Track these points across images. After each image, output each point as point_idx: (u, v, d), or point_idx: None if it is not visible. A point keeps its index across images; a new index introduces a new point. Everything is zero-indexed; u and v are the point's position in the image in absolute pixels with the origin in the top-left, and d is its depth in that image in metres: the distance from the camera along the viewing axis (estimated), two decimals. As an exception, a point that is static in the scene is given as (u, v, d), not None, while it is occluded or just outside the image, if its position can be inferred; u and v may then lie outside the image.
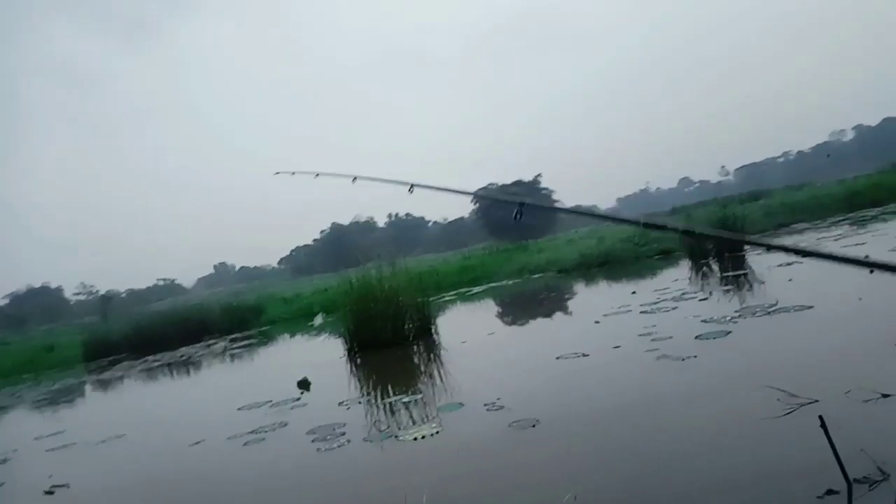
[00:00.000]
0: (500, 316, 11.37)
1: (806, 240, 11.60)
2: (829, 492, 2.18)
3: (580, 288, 12.44)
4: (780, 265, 8.48)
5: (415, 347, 7.89)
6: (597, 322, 6.85)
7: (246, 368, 10.23)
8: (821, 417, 2.32)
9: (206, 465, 4.38)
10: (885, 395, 2.92)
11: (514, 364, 5.91)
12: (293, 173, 4.16)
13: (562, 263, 16.00)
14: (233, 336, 15.61)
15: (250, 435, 4.69)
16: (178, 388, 9.61)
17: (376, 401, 5.45)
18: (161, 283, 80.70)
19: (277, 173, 4.28)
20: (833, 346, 4.18)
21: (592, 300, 10.55)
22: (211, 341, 15.18)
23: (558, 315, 9.32)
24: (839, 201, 17.61)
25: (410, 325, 8.26)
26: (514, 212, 2.48)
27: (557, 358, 5.33)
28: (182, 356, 13.13)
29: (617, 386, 4.27)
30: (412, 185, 2.81)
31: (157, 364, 12.59)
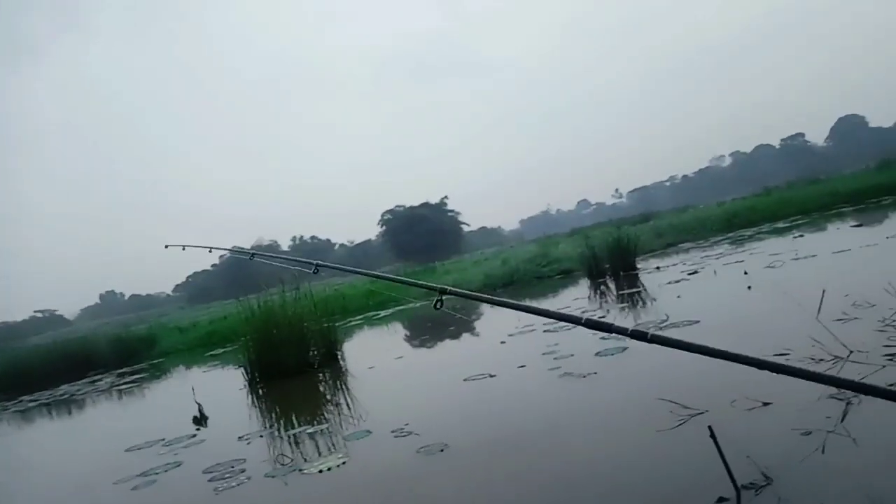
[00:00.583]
0: (408, 339, 11.31)
1: (692, 258, 12.42)
2: (720, 499, 2.29)
3: (486, 308, 12.63)
4: (670, 282, 9.01)
5: (321, 375, 7.67)
6: (502, 342, 6.96)
7: (135, 405, 9.53)
8: (710, 427, 2.46)
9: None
10: (765, 404, 3.13)
11: (422, 388, 5.87)
12: (184, 248, 3.81)
13: (468, 285, 16.20)
14: (121, 370, 14.54)
15: (139, 478, 4.34)
16: (57, 430, 8.78)
17: (279, 433, 5.22)
18: (39, 315, 74.12)
19: (168, 246, 3.90)
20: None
21: (498, 320, 10.73)
22: (96, 377, 14.05)
23: (465, 336, 9.39)
24: (720, 222, 19.07)
25: (316, 352, 8.04)
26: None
27: (465, 380, 5.34)
28: (63, 394, 12.04)
29: (523, 406, 4.33)
30: (316, 266, 2.70)
31: (33, 404, 11.48)
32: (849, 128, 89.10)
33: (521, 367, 5.43)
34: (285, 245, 79.55)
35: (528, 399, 4.48)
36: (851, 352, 3.58)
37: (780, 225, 16.43)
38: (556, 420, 3.80)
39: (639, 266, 12.24)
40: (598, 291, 10.53)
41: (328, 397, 6.62)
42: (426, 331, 11.45)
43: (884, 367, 3.26)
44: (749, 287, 7.07)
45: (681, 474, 2.66)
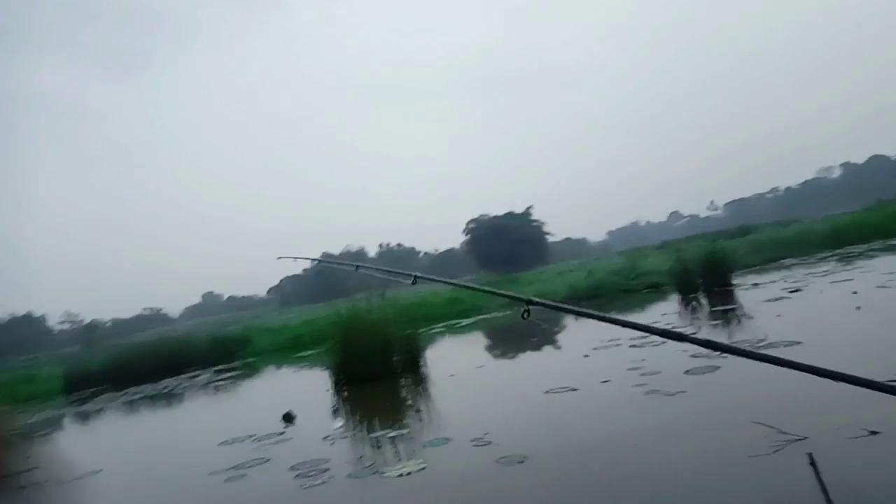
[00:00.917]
0: (489, 349, 11.29)
1: (794, 275, 11.67)
2: (819, 532, 2.13)
3: (570, 321, 12.41)
4: (769, 300, 8.50)
5: (402, 380, 7.78)
6: (586, 356, 6.81)
7: (229, 401, 10.05)
8: (810, 455, 2.29)
9: (185, 502, 4.25)
10: (873, 433, 2.89)
11: (502, 398, 5.83)
12: (295, 259, 4.10)
13: (551, 295, 15.98)
14: (217, 368, 15.38)
15: (231, 471, 4.57)
16: (158, 422, 9.40)
17: (362, 435, 5.34)
18: (147, 312, 79.86)
19: (280, 258, 4.12)
20: (822, 383, 4.15)
21: (582, 333, 10.51)
22: (195, 373, 14.94)
23: (547, 348, 9.26)
24: (826, 238, 17.80)
25: (398, 358, 8.17)
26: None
27: (546, 392, 5.27)
28: (165, 388, 12.89)
29: (606, 423, 4.22)
30: (415, 277, 2.73)
31: (138, 396, 12.35)
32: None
33: (605, 381, 5.29)
34: (372, 252, 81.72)
35: (611, 416, 4.35)
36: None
37: (894, 242, 15.14)
38: (640, 439, 3.66)
39: (734, 282, 11.63)
40: (689, 307, 10.10)
41: (409, 403, 6.71)
42: (508, 341, 11.39)
43: None
44: (858, 307, 6.56)
45: (773, 501, 2.50)
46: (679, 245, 19.86)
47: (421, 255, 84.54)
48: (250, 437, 5.70)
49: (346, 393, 7.58)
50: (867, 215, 20.89)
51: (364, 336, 7.97)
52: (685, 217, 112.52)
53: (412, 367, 8.19)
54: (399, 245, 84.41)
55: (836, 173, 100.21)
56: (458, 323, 15.69)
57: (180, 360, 16.50)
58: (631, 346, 6.84)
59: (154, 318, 77.80)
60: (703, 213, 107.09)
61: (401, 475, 3.73)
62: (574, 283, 16.35)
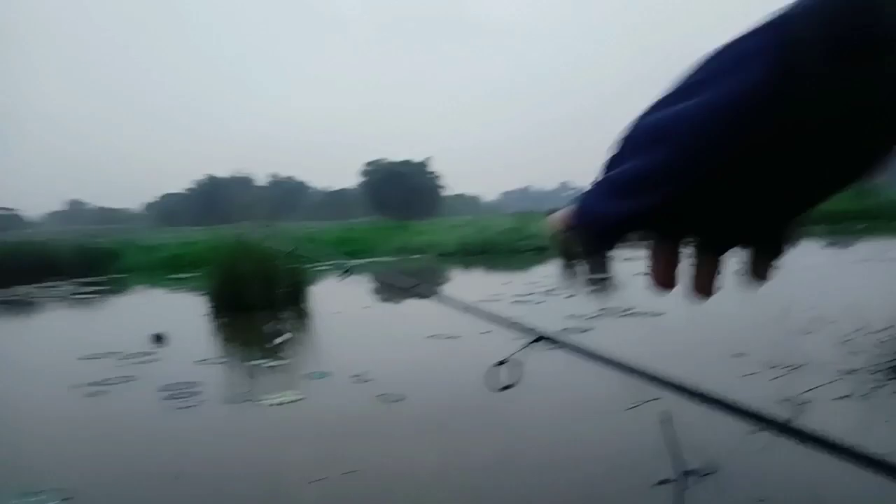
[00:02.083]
0: (377, 292, 11.34)
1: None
2: (663, 481, 2.38)
3: (458, 273, 12.70)
4: (641, 273, 9.15)
5: (285, 313, 7.65)
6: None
7: (93, 316, 9.42)
8: (663, 413, 2.53)
9: (43, 415, 3.97)
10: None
11: (386, 339, 5.91)
12: None
13: (443, 247, 16.24)
14: (81, 280, 14.32)
15: (93, 386, 4.32)
16: (9, 330, 8.65)
17: (238, 363, 5.23)
18: (-1, 212, 72.26)
19: None
20: (676, 350, 4.57)
21: (468, 286, 10.81)
22: (55, 283, 13.82)
23: (435, 297, 9.45)
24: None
25: (283, 290, 8.00)
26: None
27: (428, 337, 5.40)
28: (15, 295, 11.83)
29: (483, 368, 4.39)
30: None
31: (-15, 301, 11.26)
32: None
33: (485, 332, 5.50)
34: (262, 180, 78.46)
35: (488, 363, 4.54)
36: (806, 363, 3.70)
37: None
38: (514, 389, 3.86)
39: (614, 253, 12.36)
40: (570, 272, 10.65)
41: (290, 336, 6.62)
42: (394, 287, 11.48)
43: (834, 381, 3.38)
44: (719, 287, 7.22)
45: (631, 454, 2.74)
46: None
47: (313, 190, 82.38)
48: (114, 353, 5.40)
49: (224, 319, 7.35)
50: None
51: (248, 264, 7.71)
52: (573, 189, 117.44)
53: (296, 301, 8.06)
54: (290, 178, 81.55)
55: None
56: (347, 263, 15.57)
57: (38, 267, 15.16)
58: (513, 302, 7.13)
59: (6, 218, 70.55)
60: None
61: (277, 404, 3.71)
62: (465, 237, 16.67)
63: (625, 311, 6.09)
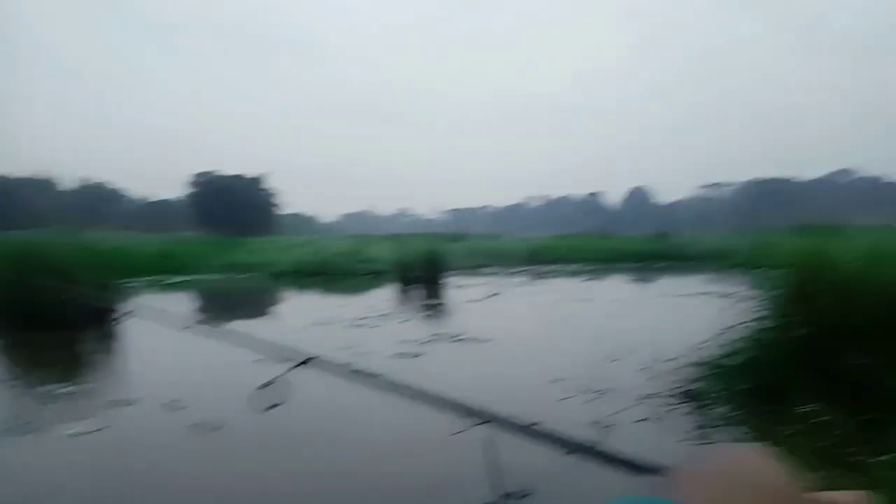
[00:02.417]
0: (201, 311, 10.54)
1: (496, 281, 13.25)
2: (486, 505, 2.43)
3: (292, 294, 12.26)
4: (472, 301, 9.51)
5: (90, 333, 6.82)
6: (301, 331, 6.79)
7: None
8: (484, 437, 2.60)
9: None
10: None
11: (205, 364, 5.48)
12: None
13: (276, 267, 15.62)
14: None
15: None
16: None
17: (27, 388, 4.53)
18: None
19: None
20: (500, 375, 4.79)
21: (302, 308, 10.47)
22: None
23: (264, 319, 9.02)
24: (523, 254, 20.64)
25: (88, 307, 7.13)
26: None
27: (254, 361, 5.10)
28: None
29: (308, 397, 4.24)
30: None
31: None
32: (637, 197, 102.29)
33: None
34: (70, 184, 69.94)
35: (314, 393, 4.39)
36: (612, 388, 4.04)
37: (572, 268, 18.23)
38: (338, 418, 3.77)
39: (447, 280, 12.76)
40: (406, 296, 10.77)
41: (94, 358, 5.90)
42: (222, 306, 10.80)
43: (636, 405, 3.73)
44: (539, 317, 7.72)
45: (451, 478, 2.77)
46: (405, 239, 21.09)
47: (130, 199, 75.18)
48: None
49: (12, 339, 6.36)
50: (557, 242, 24.78)
51: (45, 276, 6.77)
52: (411, 215, 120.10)
53: (103, 319, 7.22)
54: (101, 184, 73.52)
55: (535, 203, 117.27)
56: (168, 280, 14.37)
57: None
58: (347, 326, 7.02)
59: None
60: (429, 215, 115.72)
61: (73, 434, 3.25)
62: (301, 257, 16.20)
63: (455, 336, 6.26)
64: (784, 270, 3.85)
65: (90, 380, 4.76)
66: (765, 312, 3.86)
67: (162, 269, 16.07)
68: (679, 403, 3.70)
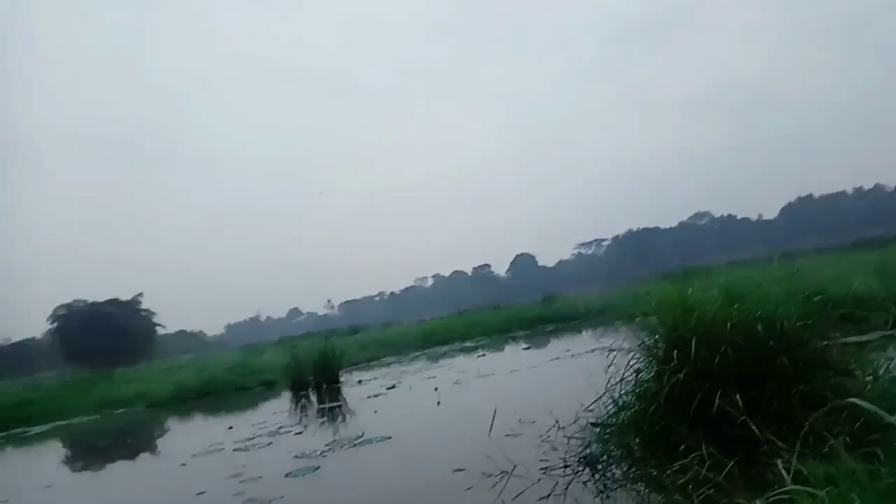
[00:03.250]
0: (66, 462, 9.35)
1: (392, 372, 12.95)
2: None
3: (173, 424, 11.25)
4: (370, 396, 9.19)
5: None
6: (183, 465, 6.17)
7: None
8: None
9: None
10: None
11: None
12: None
13: (154, 396, 14.35)
14: None
15: None
16: None
17: None
18: None
19: None
20: (404, 475, 4.56)
21: (183, 438, 9.59)
22: None
23: (141, 457, 8.15)
24: (419, 338, 20.50)
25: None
26: None
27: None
28: None
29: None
30: None
31: None
32: (523, 264, 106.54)
33: (201, 493, 4.83)
34: None
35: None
36: (515, 466, 3.96)
37: (469, 344, 18.31)
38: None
39: (342, 379, 12.30)
40: (300, 405, 10.21)
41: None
42: (92, 451, 9.67)
43: (539, 480, 3.66)
44: (438, 403, 7.55)
45: None
46: (295, 342, 20.35)
47: (-16, 344, 67.40)
48: None
49: None
50: (451, 321, 24.92)
51: None
52: (304, 314, 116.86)
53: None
54: (-48, 331, 65.76)
55: (429, 283, 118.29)
56: (26, 432, 12.77)
57: None
58: (235, 449, 6.49)
59: None
60: (321, 311, 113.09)
61: None
62: (182, 380, 15.03)
63: (354, 440, 5.96)
64: (654, 319, 4.04)
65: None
66: (644, 363, 3.99)
67: (21, 419, 14.27)
68: (579, 471, 3.66)
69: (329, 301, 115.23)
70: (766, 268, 4.42)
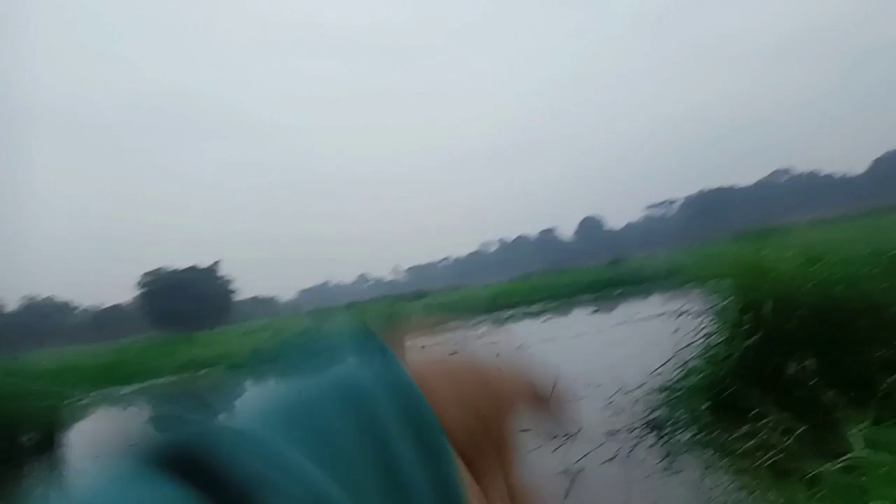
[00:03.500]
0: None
1: (456, 336, 13.11)
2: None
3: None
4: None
5: (34, 465, 6.38)
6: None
7: None
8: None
9: None
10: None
11: None
12: None
13: (233, 358, 15.14)
14: None
15: None
16: None
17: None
18: None
19: None
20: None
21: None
22: None
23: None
24: (485, 302, 20.63)
25: (28, 438, 6.71)
26: None
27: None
28: None
29: None
30: None
31: None
32: (589, 227, 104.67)
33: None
34: (13, 304, 67.32)
35: None
36: (579, 429, 3.95)
37: (534, 308, 18.28)
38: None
39: (407, 343, 12.58)
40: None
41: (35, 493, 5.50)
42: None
43: (602, 444, 3.65)
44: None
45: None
46: (364, 306, 20.88)
47: (78, 310, 72.75)
48: None
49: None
50: (515, 285, 24.93)
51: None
52: (372, 280, 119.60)
53: (49, 447, 6.79)
54: (49, 298, 71.26)
55: (494, 247, 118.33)
56: (119, 391, 13.76)
57: None
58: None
59: None
60: (388, 277, 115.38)
61: None
62: (258, 344, 15.77)
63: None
64: (727, 282, 3.90)
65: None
66: (714, 326, 3.88)
67: (114, 379, 15.39)
68: (644, 435, 3.62)
69: (395, 267, 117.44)
70: (850, 227, 4.17)
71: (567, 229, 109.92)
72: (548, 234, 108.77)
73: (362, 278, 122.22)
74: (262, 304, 77.29)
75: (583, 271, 27.60)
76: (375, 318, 12.56)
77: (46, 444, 6.81)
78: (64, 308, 70.75)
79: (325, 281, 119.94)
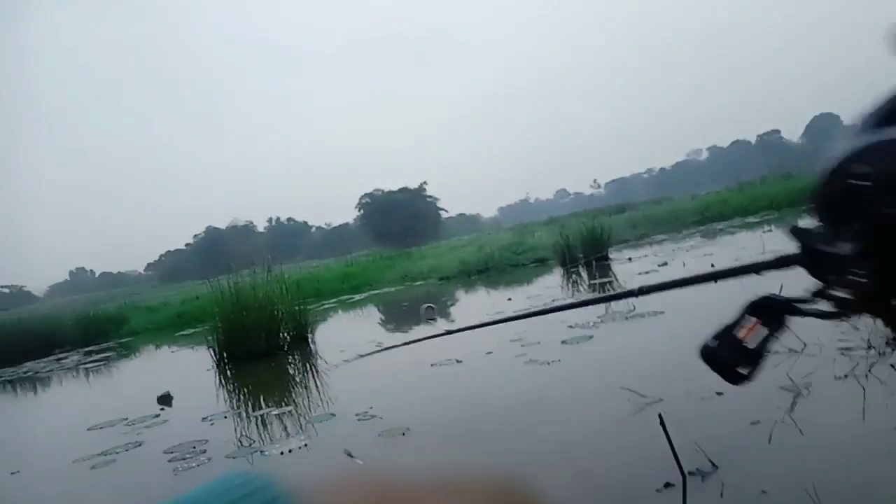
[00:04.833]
0: (382, 323, 11.31)
1: (664, 249, 12.57)
2: (667, 485, 2.35)
3: (460, 295, 12.68)
4: (640, 273, 9.13)
5: (290, 357, 7.64)
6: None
7: (100, 384, 9.42)
8: (660, 416, 2.50)
9: (43, 494, 3.95)
10: (719, 393, 3.21)
11: (390, 373, 5.88)
12: None
13: (443, 271, 16.25)
14: (89, 349, 14.33)
15: (99, 457, 4.30)
16: (18, 408, 8.65)
17: (245, 415, 5.20)
18: (6, 290, 72.67)
19: None
20: (678, 349, 4.54)
21: (470, 306, 10.79)
22: (62, 355, 13.84)
23: (438, 322, 9.42)
24: (693, 215, 19.32)
25: (286, 335, 8.01)
26: None
27: (432, 365, 5.37)
28: (27, 372, 11.86)
29: (486, 393, 4.38)
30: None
31: (-5, 381, 11.28)
32: (823, 126, 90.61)
33: (489, 353, 5.47)
34: (261, 226, 78.82)
35: (491, 386, 4.52)
36: (805, 345, 3.66)
37: (752, 220, 16.70)
38: (518, 407, 3.84)
39: (611, 256, 12.37)
40: (571, 280, 10.63)
41: (296, 380, 6.61)
42: (398, 315, 11.46)
43: (835, 360, 3.35)
44: (715, 281, 7.19)
45: (635, 461, 2.71)
46: (564, 221, 20.79)
47: (313, 229, 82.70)
48: (122, 420, 5.39)
49: (229, 372, 7.34)
50: (729, 195, 22.86)
51: (249, 312, 7.72)
52: (571, 195, 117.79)
53: (300, 343, 8.06)
54: (290, 219, 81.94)
55: (704, 156, 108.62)
56: (351, 298, 15.59)
57: (45, 341, 15.22)
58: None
59: (15, 296, 70.91)
60: (588, 192, 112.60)
61: (282, 453, 3.68)
62: (465, 257, 16.68)
63: (626, 313, 6.06)
64: None
65: (296, 400, 5.34)
66: None
67: (346, 289, 17.51)
68: (885, 352, 3.25)
69: (595, 181, 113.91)
70: None
71: (795, 131, 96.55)
72: (770, 136, 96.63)
73: (562, 193, 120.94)
74: (467, 221, 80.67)
75: (813, 177, 24.24)
76: (577, 231, 12.29)
77: (298, 340, 8.07)
78: (303, 227, 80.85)
79: (525, 197, 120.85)
